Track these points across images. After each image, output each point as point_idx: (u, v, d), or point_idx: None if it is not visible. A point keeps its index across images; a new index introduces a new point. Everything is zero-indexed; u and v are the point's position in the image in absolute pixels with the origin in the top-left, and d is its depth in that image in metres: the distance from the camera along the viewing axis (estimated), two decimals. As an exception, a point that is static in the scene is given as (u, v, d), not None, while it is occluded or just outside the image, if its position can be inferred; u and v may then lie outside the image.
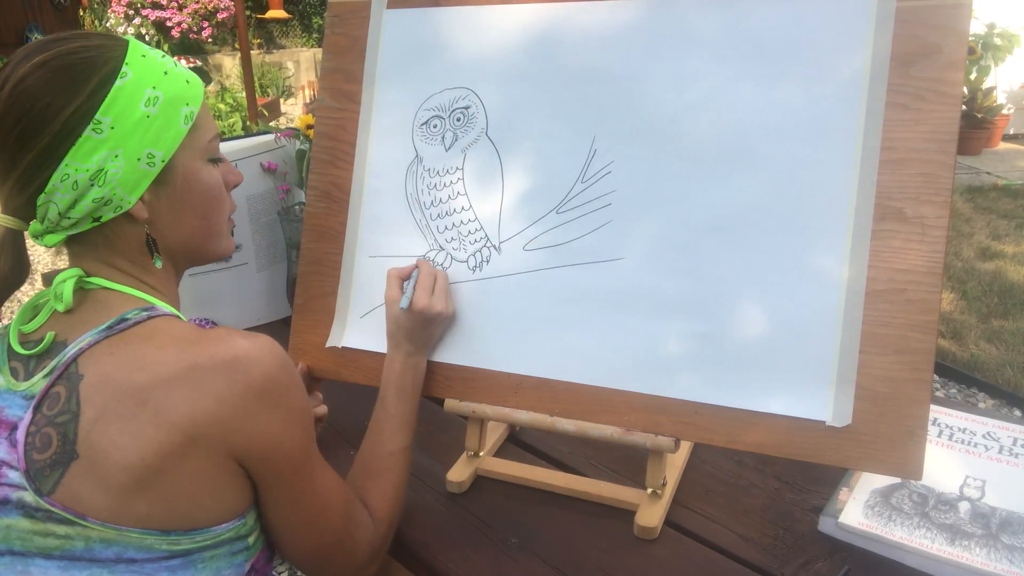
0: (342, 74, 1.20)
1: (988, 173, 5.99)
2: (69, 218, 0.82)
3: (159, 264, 0.88)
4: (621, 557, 0.97)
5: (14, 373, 0.82)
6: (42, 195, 0.81)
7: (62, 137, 0.79)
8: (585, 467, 1.16)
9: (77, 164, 0.80)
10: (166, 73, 0.85)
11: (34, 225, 0.83)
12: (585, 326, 1.02)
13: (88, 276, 0.85)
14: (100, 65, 0.81)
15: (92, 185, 0.81)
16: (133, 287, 0.86)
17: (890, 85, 0.90)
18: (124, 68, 0.82)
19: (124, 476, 0.74)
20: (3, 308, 0.86)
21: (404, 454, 1.01)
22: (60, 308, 0.82)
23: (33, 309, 0.86)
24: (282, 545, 0.88)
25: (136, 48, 0.84)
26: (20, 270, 0.85)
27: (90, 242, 0.86)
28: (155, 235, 0.88)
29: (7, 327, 0.86)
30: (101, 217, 0.83)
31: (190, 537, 0.77)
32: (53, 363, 0.79)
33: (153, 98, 0.83)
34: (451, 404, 1.09)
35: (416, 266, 1.07)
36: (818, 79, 0.93)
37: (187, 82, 0.87)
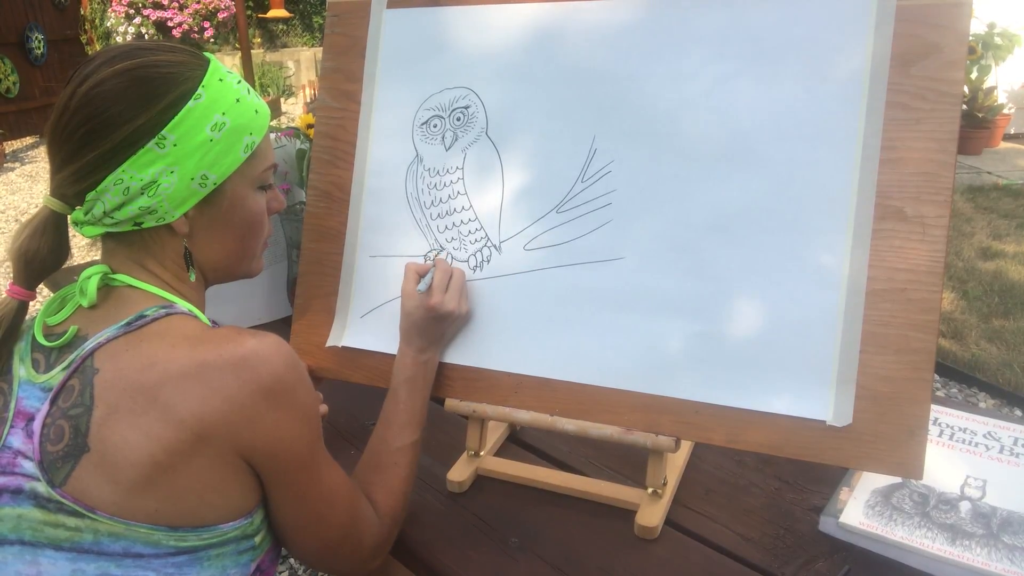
0: (342, 74, 1.20)
1: (989, 173, 5.99)
2: (112, 218, 0.84)
3: (192, 278, 0.91)
4: (621, 557, 0.97)
5: (36, 364, 0.83)
6: (92, 192, 0.83)
7: (125, 145, 0.81)
8: (585, 467, 1.16)
9: (133, 172, 0.82)
10: (238, 100, 0.87)
11: (76, 213, 0.85)
12: (585, 326, 1.02)
13: (114, 273, 0.86)
14: (178, 83, 0.83)
15: (142, 194, 0.83)
16: (159, 288, 0.87)
17: (890, 84, 0.90)
18: (200, 90, 0.84)
19: (133, 472, 0.75)
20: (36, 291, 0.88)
21: (412, 450, 1.01)
22: (84, 304, 0.84)
23: (60, 302, 0.88)
24: (288, 541, 0.88)
25: (215, 71, 0.87)
26: (59, 252, 0.87)
27: (127, 241, 0.88)
28: (191, 249, 0.90)
29: (33, 319, 0.87)
30: (143, 223, 0.85)
31: (197, 534, 0.78)
32: (72, 356, 0.81)
33: (220, 124, 0.85)
34: (452, 404, 1.09)
35: (434, 263, 1.07)
36: (818, 78, 0.93)
37: (256, 112, 0.89)
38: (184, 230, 0.87)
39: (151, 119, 0.82)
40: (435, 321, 1.04)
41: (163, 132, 0.82)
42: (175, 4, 8.46)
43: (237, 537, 0.82)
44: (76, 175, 0.82)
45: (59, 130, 0.82)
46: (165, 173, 0.83)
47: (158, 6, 8.41)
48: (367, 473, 0.98)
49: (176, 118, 0.82)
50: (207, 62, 0.87)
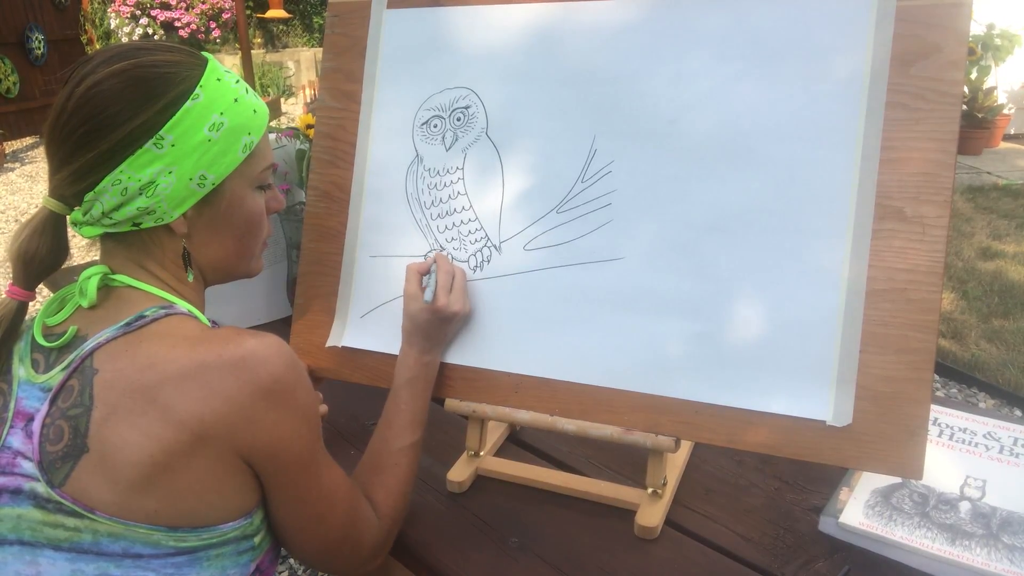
0: (342, 74, 1.20)
1: (989, 173, 5.99)
2: (110, 219, 0.84)
3: (191, 278, 0.90)
4: (621, 557, 0.97)
5: (35, 365, 0.83)
6: (91, 192, 0.83)
7: (123, 146, 0.81)
8: (585, 467, 1.16)
9: (131, 173, 0.82)
10: (236, 100, 0.87)
11: (75, 214, 0.85)
12: (585, 326, 1.02)
13: (114, 274, 0.86)
14: (176, 83, 0.83)
15: (140, 194, 0.83)
16: (158, 288, 0.87)
17: (890, 85, 0.90)
18: (197, 90, 0.84)
19: (132, 472, 0.75)
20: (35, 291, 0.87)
21: (413, 451, 1.01)
22: (84, 304, 0.84)
23: (59, 302, 0.88)
24: (287, 541, 0.88)
25: (213, 71, 0.86)
26: (58, 253, 0.86)
27: (125, 242, 0.87)
28: (190, 249, 0.89)
29: (33, 319, 0.87)
30: (141, 224, 0.85)
31: (196, 534, 0.78)
32: (71, 357, 0.80)
33: (218, 124, 0.85)
34: (451, 404, 1.09)
35: (435, 261, 1.07)
36: (818, 79, 0.93)
37: (254, 112, 0.89)
38: (183, 230, 0.87)
39: (149, 119, 0.81)
40: (440, 323, 1.04)
41: (161, 132, 0.82)
42: (182, 4, 8.44)
43: (237, 537, 0.81)
44: (74, 176, 0.82)
45: (57, 131, 0.82)
46: (163, 173, 0.83)
47: (165, 7, 8.38)
48: (368, 474, 0.98)
49: (174, 118, 0.82)
50: (205, 62, 0.87)
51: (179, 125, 0.83)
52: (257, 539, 0.84)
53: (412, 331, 1.05)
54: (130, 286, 0.86)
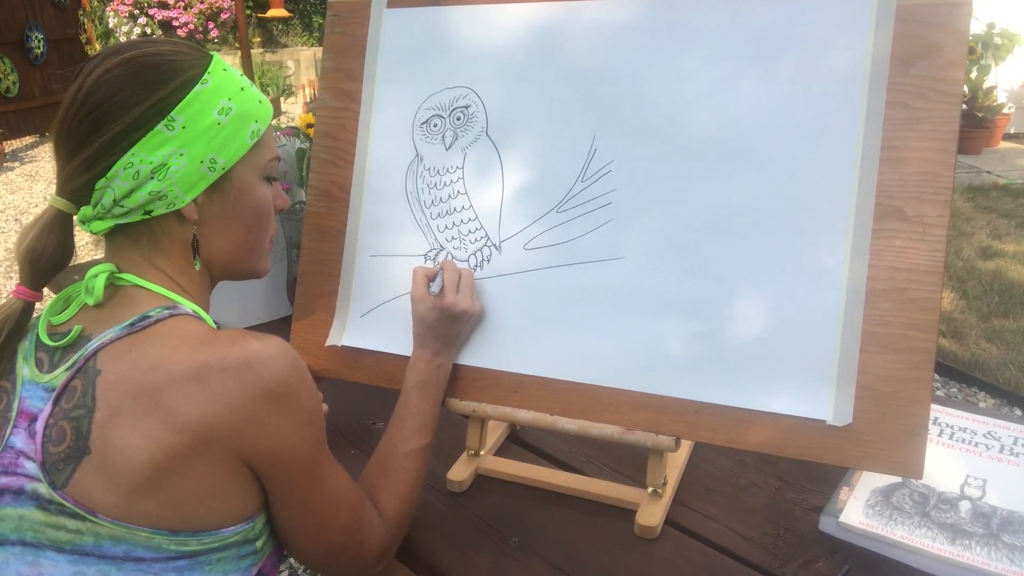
0: (342, 73, 1.20)
1: (989, 172, 5.99)
2: (122, 206, 0.84)
3: (197, 267, 0.90)
4: (621, 556, 0.97)
5: (39, 364, 0.83)
6: (102, 179, 0.83)
7: (135, 127, 0.82)
8: (586, 466, 1.16)
9: (143, 155, 0.82)
10: (242, 89, 0.89)
11: (84, 210, 0.85)
12: (586, 325, 1.02)
13: (121, 272, 0.86)
14: (185, 69, 0.85)
15: (152, 178, 0.83)
16: (165, 286, 0.87)
17: (890, 84, 0.90)
18: (206, 76, 0.86)
19: (134, 475, 0.74)
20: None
21: (422, 454, 1.01)
22: (90, 302, 0.84)
23: (64, 301, 0.88)
24: (290, 545, 0.88)
25: (219, 62, 0.88)
26: (64, 252, 0.86)
27: (134, 234, 0.87)
28: (200, 239, 0.89)
29: (38, 318, 0.87)
30: (152, 211, 0.85)
31: (198, 539, 0.78)
32: (75, 357, 0.80)
33: (226, 108, 0.86)
34: (452, 403, 1.09)
35: (441, 267, 1.07)
36: (818, 78, 0.93)
37: (259, 102, 0.91)
38: (193, 217, 0.87)
39: (159, 101, 0.82)
40: (450, 321, 1.04)
41: (172, 114, 0.83)
42: (180, 3, 8.43)
43: (239, 541, 0.81)
44: (86, 163, 0.82)
45: (67, 121, 0.82)
46: (175, 155, 0.83)
47: (163, 6, 8.38)
48: (375, 477, 0.97)
49: (184, 100, 0.83)
50: (211, 55, 0.89)
51: (189, 107, 0.83)
52: (259, 543, 0.84)
53: (422, 333, 1.05)
54: (137, 285, 0.86)
